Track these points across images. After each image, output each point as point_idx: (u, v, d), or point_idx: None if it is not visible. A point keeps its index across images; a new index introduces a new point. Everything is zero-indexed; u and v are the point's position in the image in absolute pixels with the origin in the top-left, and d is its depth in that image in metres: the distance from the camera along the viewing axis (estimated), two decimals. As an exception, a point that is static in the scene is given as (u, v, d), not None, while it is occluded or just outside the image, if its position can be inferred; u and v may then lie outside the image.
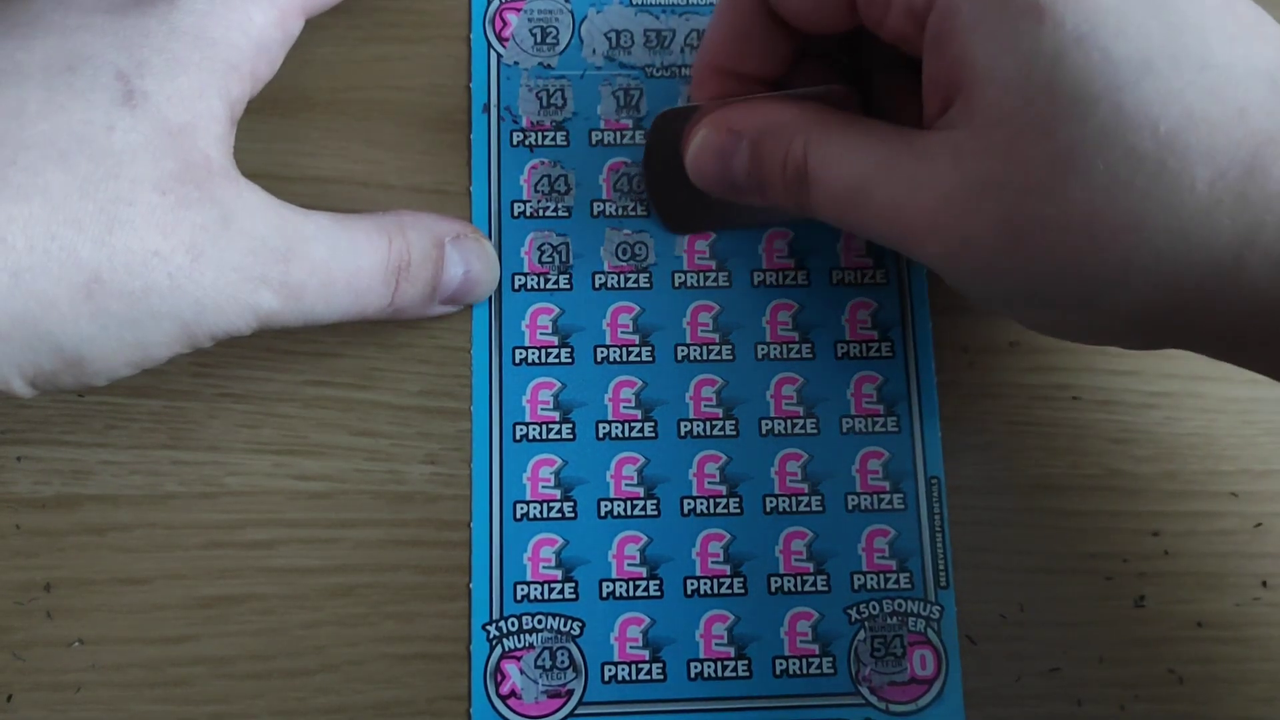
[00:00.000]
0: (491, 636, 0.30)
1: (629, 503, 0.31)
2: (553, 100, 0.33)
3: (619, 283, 0.32)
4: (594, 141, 0.33)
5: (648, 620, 0.30)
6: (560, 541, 0.31)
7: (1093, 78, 0.22)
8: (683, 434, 0.31)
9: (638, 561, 0.31)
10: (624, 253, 0.32)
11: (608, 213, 0.32)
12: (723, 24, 0.30)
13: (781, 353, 0.32)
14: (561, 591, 0.30)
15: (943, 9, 0.24)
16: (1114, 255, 0.23)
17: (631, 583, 0.31)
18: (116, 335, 0.24)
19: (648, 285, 0.32)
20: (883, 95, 0.30)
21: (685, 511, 0.31)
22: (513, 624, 0.30)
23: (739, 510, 0.31)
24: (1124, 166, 0.22)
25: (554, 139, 0.33)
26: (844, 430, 0.32)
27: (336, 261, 0.27)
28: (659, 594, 0.31)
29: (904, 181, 0.25)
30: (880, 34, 0.27)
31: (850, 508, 0.31)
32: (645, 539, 0.31)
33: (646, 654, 0.30)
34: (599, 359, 0.32)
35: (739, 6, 0.29)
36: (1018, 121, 0.23)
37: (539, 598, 0.30)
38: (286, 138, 0.33)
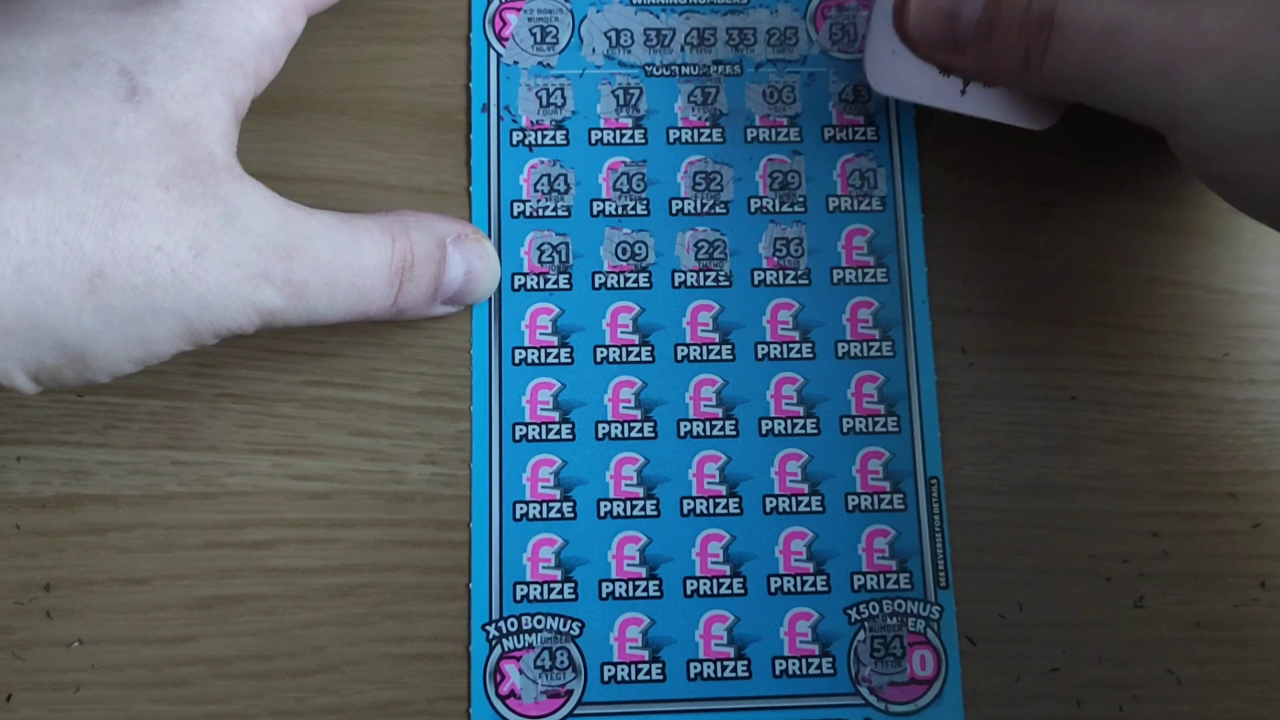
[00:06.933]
0: (491, 637, 0.30)
1: (628, 503, 0.31)
2: (552, 100, 0.33)
3: (619, 282, 0.32)
4: (594, 141, 0.33)
5: (647, 620, 0.30)
6: (560, 542, 0.31)
7: None
8: (682, 434, 0.31)
9: (637, 562, 0.31)
10: (624, 252, 0.32)
11: (607, 212, 0.32)
12: None
13: (781, 352, 0.32)
14: (561, 592, 0.30)
15: None
16: None
17: (631, 583, 0.31)
18: (120, 330, 0.24)
19: (647, 285, 0.32)
20: None
21: (685, 512, 0.31)
22: (512, 624, 0.30)
23: (739, 510, 0.31)
24: None
25: (554, 138, 0.33)
26: (844, 430, 0.32)
27: (340, 260, 0.27)
28: (659, 594, 0.31)
29: (1178, 10, 0.24)
30: None
31: (850, 508, 0.31)
32: (645, 539, 0.31)
33: (646, 654, 0.30)
34: (599, 359, 0.32)
35: None
36: None
37: (538, 598, 0.30)
38: (286, 138, 0.33)
